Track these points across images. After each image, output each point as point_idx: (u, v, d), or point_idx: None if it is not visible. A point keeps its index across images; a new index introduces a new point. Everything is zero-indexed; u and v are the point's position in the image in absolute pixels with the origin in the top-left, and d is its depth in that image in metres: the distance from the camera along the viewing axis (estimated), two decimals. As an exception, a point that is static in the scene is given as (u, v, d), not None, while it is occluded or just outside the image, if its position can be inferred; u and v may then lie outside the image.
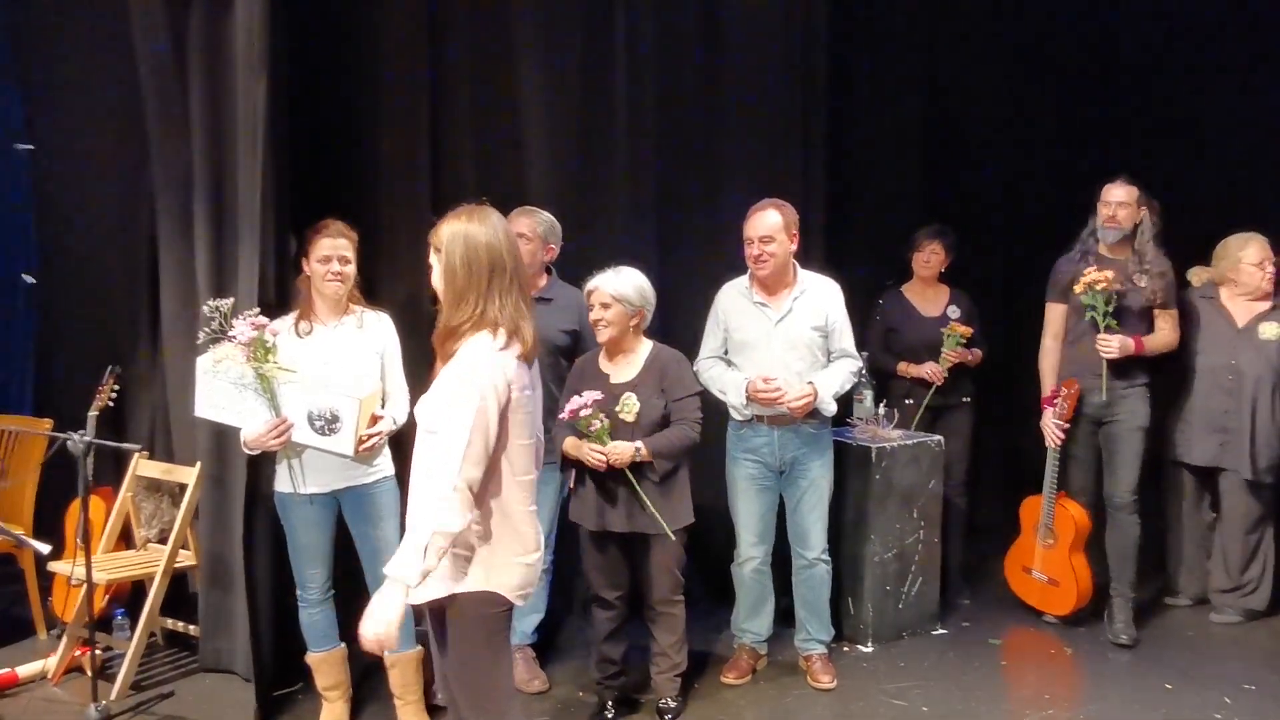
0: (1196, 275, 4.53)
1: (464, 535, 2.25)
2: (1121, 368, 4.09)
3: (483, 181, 4.04)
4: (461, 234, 2.32)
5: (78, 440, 3.28)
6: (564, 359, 3.67)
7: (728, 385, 3.67)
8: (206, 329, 3.15)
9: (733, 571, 3.87)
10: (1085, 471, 4.27)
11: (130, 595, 4.07)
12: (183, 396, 3.63)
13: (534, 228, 3.67)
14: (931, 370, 4.46)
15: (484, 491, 2.28)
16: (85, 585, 3.35)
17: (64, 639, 3.80)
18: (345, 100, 4.00)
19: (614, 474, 3.27)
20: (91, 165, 4.36)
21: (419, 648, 3.36)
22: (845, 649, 4.12)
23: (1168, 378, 4.32)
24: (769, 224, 3.60)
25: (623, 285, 3.31)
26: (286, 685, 3.68)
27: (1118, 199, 4.11)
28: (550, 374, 3.51)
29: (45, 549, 3.39)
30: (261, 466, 3.43)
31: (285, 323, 3.26)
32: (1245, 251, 4.28)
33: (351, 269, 3.28)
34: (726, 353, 3.76)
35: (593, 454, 3.22)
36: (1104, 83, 5.51)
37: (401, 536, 2.25)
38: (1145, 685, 3.77)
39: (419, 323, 3.67)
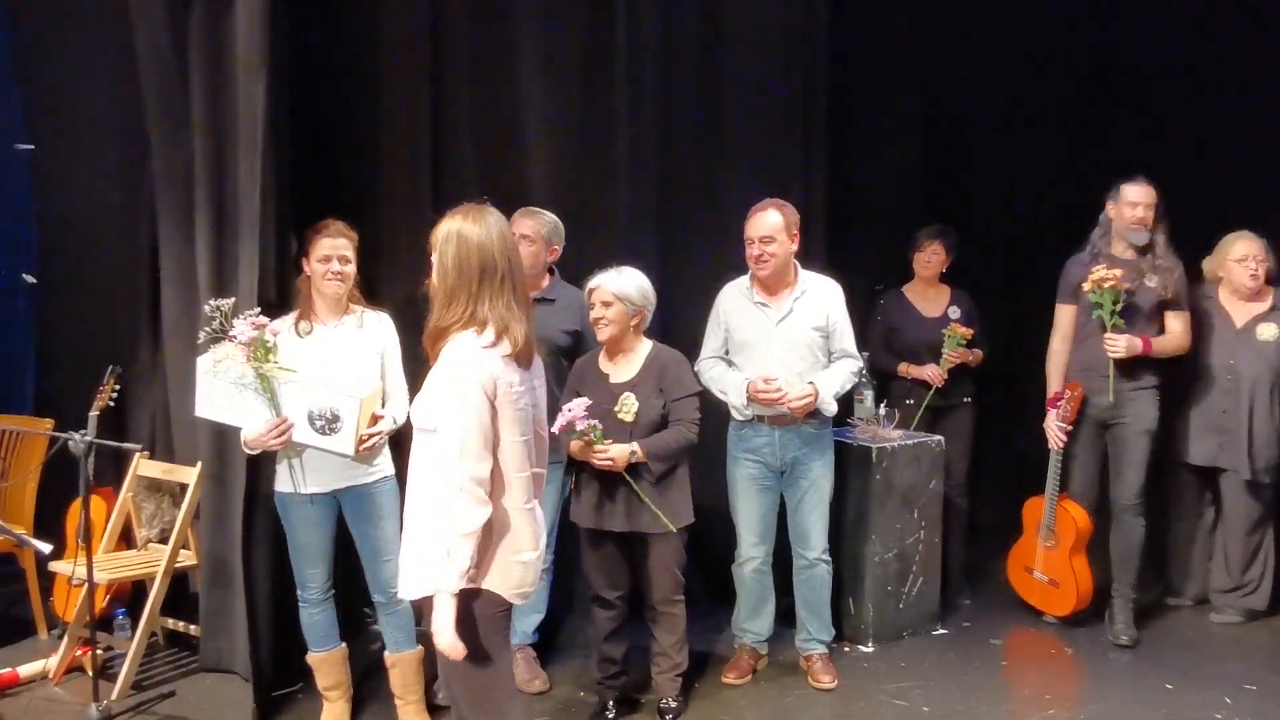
0: (1208, 265, 4.49)
1: None
2: (1129, 369, 4.06)
3: (483, 181, 4.04)
4: (455, 234, 2.32)
5: (79, 440, 3.28)
6: (565, 359, 3.67)
7: (728, 385, 3.66)
8: (207, 329, 3.16)
9: (733, 572, 3.87)
10: (1088, 474, 4.25)
11: (131, 595, 4.07)
12: (183, 396, 3.63)
13: (537, 229, 3.67)
14: (933, 373, 4.46)
15: None
16: (86, 585, 3.35)
17: (65, 639, 3.80)
18: (345, 100, 4.00)
19: (612, 475, 3.27)
20: (92, 165, 4.36)
21: (420, 647, 3.36)
22: (846, 649, 4.12)
23: (1172, 379, 4.30)
24: (770, 224, 3.60)
25: (625, 284, 3.32)
26: (287, 685, 3.68)
27: (1145, 200, 4.06)
28: (552, 374, 3.50)
29: (46, 549, 3.39)
30: (262, 466, 3.43)
31: (285, 322, 3.26)
32: (1232, 249, 4.28)
33: (352, 269, 3.29)
34: (727, 353, 3.76)
35: (596, 455, 3.22)
36: (1104, 83, 5.51)
37: (401, 536, 2.26)
38: (1146, 685, 3.77)
39: (419, 322, 3.64)
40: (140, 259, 4.22)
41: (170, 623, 3.98)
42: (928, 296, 4.67)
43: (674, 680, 3.53)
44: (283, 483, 3.26)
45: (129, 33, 3.74)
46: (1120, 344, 4.00)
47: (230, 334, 3.07)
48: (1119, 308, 3.99)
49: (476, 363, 2.25)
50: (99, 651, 3.54)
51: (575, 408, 3.15)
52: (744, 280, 3.75)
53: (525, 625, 3.76)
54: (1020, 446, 5.13)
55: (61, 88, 4.37)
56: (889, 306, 4.68)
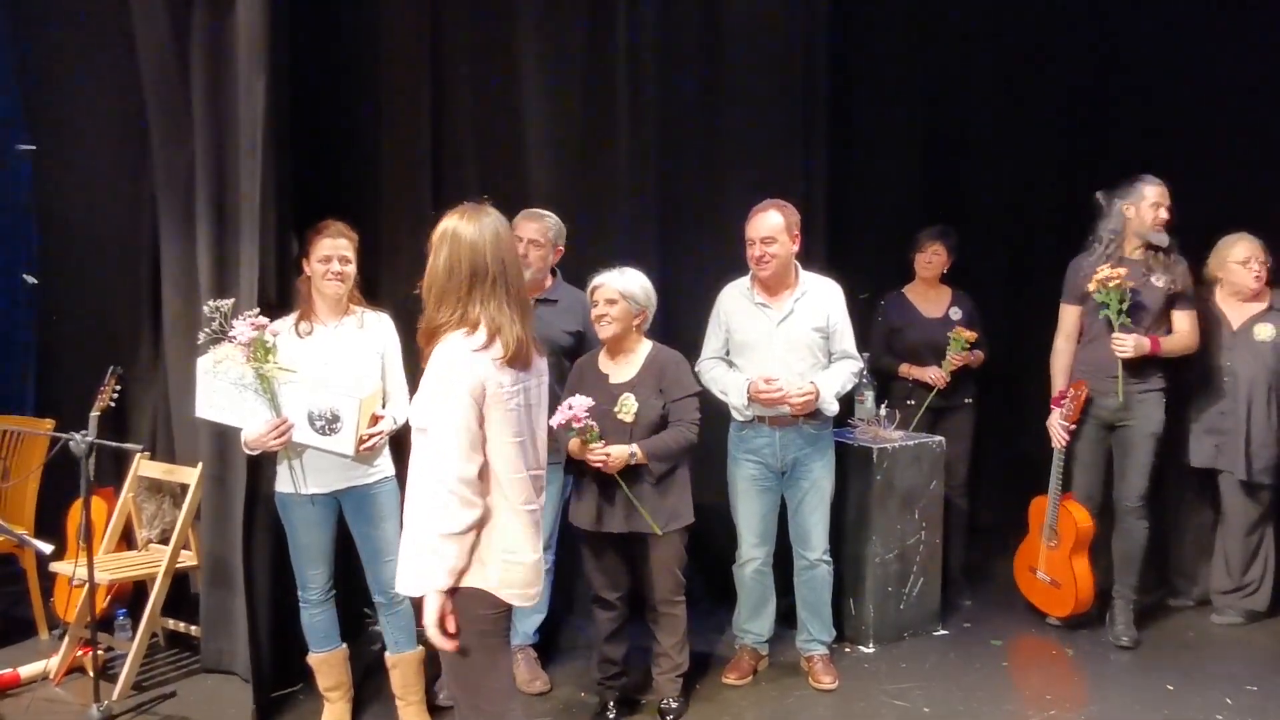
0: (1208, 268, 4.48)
1: None
2: (1137, 370, 4.04)
3: (484, 182, 4.05)
4: (449, 234, 2.32)
5: (79, 440, 3.28)
6: (567, 360, 3.67)
7: (729, 386, 3.66)
8: (207, 329, 3.16)
9: (734, 572, 3.86)
10: (1093, 476, 4.24)
11: (132, 596, 4.07)
12: (184, 397, 3.63)
13: (544, 232, 3.67)
14: (935, 375, 4.46)
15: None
16: (87, 585, 3.35)
17: (66, 639, 3.80)
18: (345, 100, 4.00)
19: (610, 476, 3.27)
20: (92, 165, 4.36)
21: (420, 648, 3.36)
22: (847, 650, 4.12)
23: (1178, 382, 4.27)
24: (770, 225, 3.60)
25: (628, 283, 3.33)
26: (287, 686, 3.68)
27: (1167, 200, 4.03)
28: (553, 374, 3.50)
29: (47, 549, 3.39)
30: (262, 467, 3.43)
31: (286, 323, 3.26)
32: (1233, 250, 4.27)
33: (352, 269, 3.28)
34: (728, 354, 3.76)
35: (591, 455, 3.22)
36: (1104, 83, 5.50)
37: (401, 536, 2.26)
38: (1147, 686, 3.76)
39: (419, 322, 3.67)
40: (140, 259, 4.22)
41: (171, 623, 3.98)
42: (929, 297, 4.66)
43: (675, 681, 3.53)
44: (283, 483, 3.26)
45: (130, 33, 3.75)
46: (1128, 343, 3.98)
47: (230, 334, 3.07)
48: (1125, 306, 3.98)
49: (466, 364, 2.25)
50: (100, 652, 3.54)
51: (577, 405, 3.15)
52: (745, 281, 3.75)
53: (526, 626, 3.76)
54: (1021, 447, 5.13)
55: (61, 88, 4.37)
56: (890, 307, 4.68)
